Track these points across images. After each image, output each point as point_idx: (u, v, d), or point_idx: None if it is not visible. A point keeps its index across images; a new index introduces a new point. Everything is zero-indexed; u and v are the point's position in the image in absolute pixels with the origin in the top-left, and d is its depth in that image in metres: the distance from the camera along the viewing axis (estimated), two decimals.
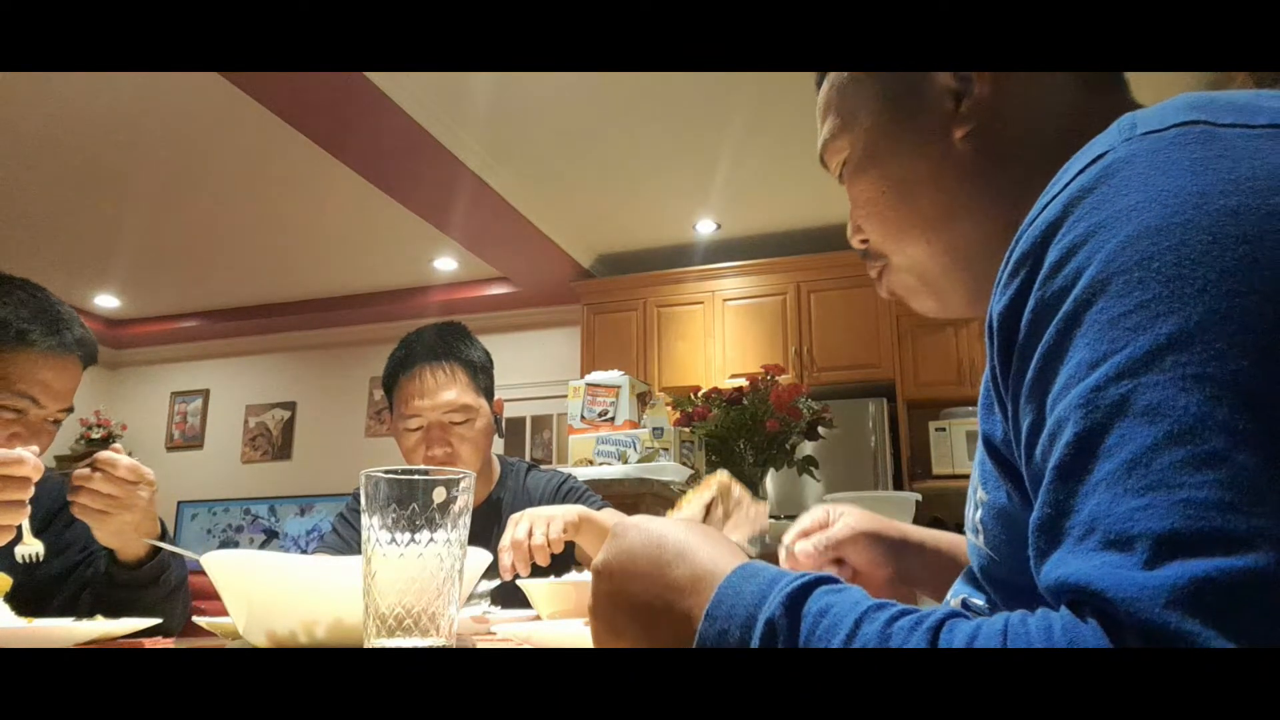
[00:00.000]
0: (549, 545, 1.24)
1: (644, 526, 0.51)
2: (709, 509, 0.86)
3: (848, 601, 0.41)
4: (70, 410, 1.28)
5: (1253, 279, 0.36)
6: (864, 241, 0.73)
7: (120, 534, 1.18)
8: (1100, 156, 0.43)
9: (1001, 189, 0.62)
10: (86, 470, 1.13)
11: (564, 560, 1.39)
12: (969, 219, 0.64)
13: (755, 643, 0.41)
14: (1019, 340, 0.44)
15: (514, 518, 1.30)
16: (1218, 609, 0.32)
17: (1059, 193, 0.44)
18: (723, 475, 0.94)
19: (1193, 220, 0.38)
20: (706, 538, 0.50)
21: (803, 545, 0.89)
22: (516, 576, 1.23)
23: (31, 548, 1.06)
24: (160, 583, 1.23)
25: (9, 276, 1.27)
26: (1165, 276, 0.37)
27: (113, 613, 1.05)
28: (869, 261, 0.73)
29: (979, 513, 0.55)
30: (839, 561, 0.89)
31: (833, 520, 0.90)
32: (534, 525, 1.27)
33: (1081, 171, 0.43)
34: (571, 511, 1.33)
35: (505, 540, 1.26)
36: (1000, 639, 0.36)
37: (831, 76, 0.71)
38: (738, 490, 0.93)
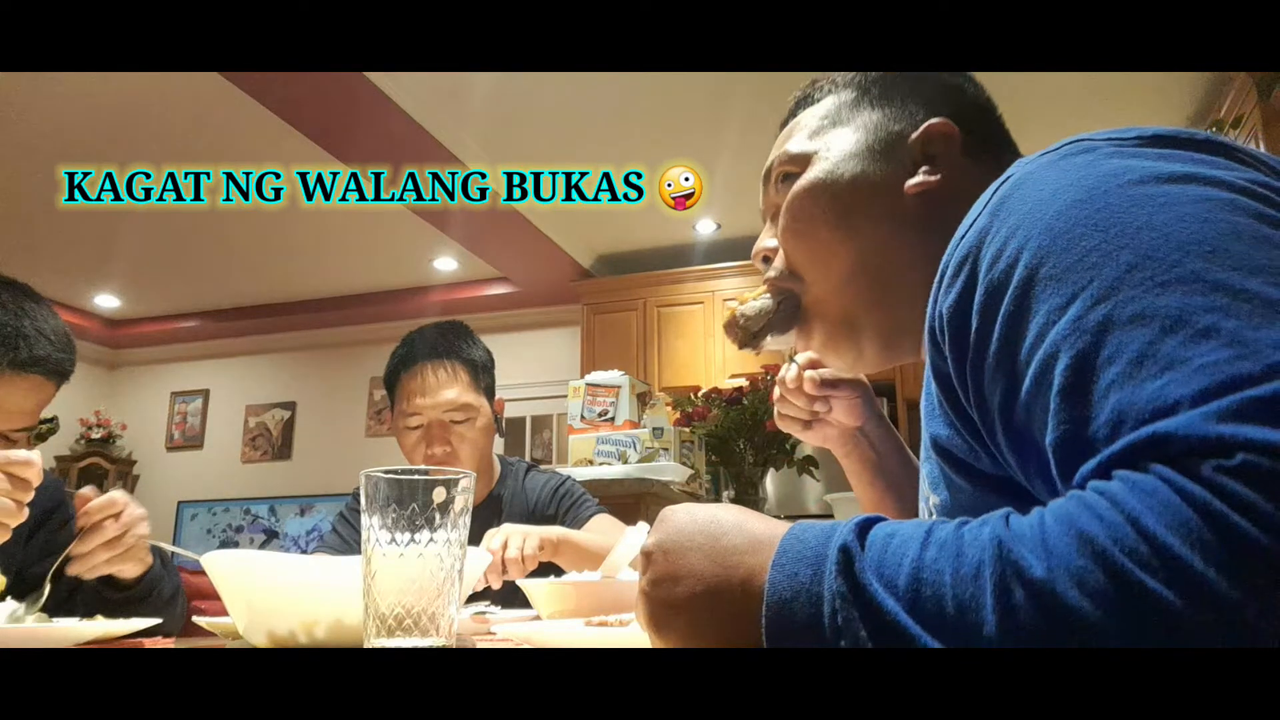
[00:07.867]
0: (523, 561, 1.25)
1: (692, 508, 0.51)
2: None
3: (910, 524, 0.42)
4: (32, 428, 1.22)
5: (1178, 212, 0.41)
6: (766, 259, 0.78)
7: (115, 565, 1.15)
8: (1009, 178, 0.50)
9: (932, 246, 0.66)
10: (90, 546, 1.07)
11: None
12: (897, 260, 0.69)
13: (830, 569, 0.41)
14: (974, 327, 0.47)
15: (491, 531, 1.30)
16: (1273, 415, 0.33)
17: (981, 210, 0.49)
18: None
19: (1108, 189, 0.44)
20: (757, 515, 0.50)
21: (811, 372, 0.98)
22: (488, 588, 1.25)
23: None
24: (151, 599, 1.21)
25: None
26: (1104, 226, 0.42)
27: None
28: (772, 283, 0.77)
29: (931, 517, 0.56)
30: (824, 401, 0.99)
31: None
32: (510, 539, 1.27)
33: (995, 191, 0.50)
34: (552, 531, 1.34)
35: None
36: (1067, 502, 0.37)
37: (827, 102, 0.75)
38: None
